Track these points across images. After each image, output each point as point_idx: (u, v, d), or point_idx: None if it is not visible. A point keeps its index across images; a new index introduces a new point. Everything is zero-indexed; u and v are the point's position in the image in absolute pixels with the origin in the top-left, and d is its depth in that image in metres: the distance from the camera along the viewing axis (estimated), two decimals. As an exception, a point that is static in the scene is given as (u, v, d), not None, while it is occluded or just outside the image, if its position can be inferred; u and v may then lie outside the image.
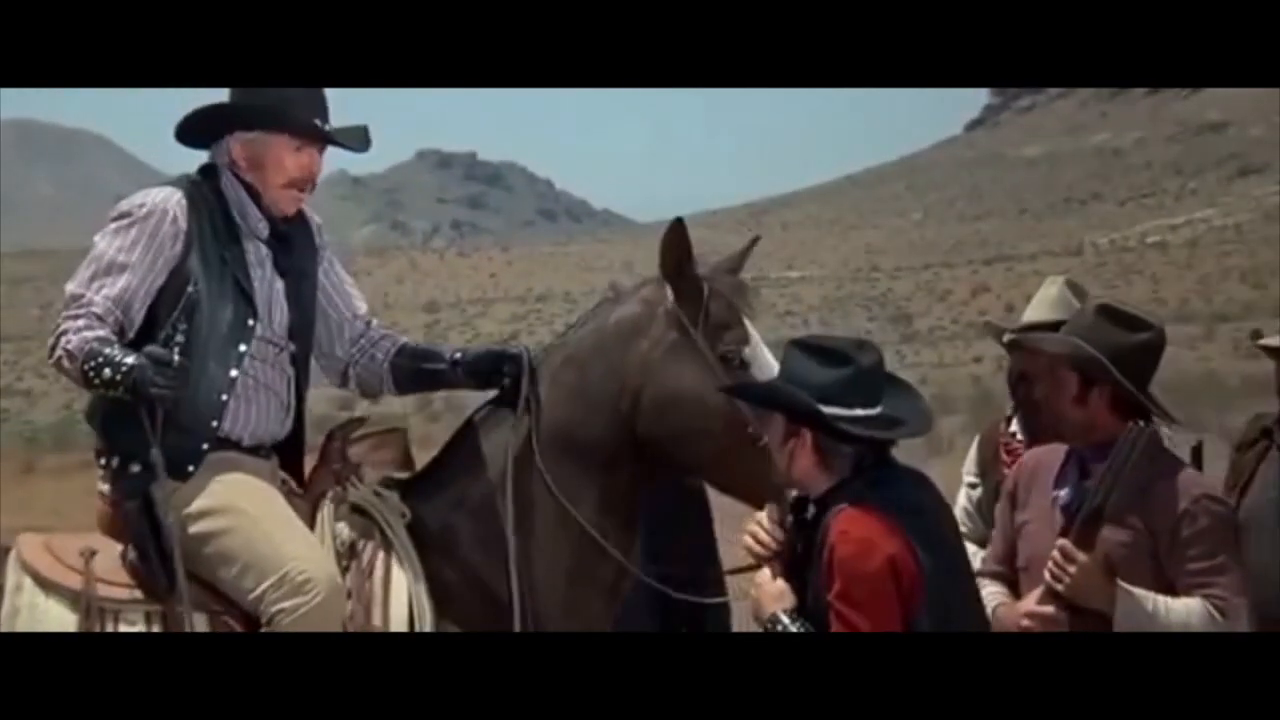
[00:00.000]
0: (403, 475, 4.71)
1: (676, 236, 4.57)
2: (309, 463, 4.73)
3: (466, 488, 4.62)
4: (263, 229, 4.63)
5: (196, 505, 4.44)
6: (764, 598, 4.12)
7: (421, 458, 4.81)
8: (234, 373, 4.51)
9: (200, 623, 4.40)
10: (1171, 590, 4.32)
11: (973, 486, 5.54)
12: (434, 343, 4.92)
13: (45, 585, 4.46)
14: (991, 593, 4.52)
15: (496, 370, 4.67)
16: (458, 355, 4.75)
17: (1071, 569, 4.27)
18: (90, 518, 4.62)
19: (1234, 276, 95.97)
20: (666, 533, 4.80)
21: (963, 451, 5.88)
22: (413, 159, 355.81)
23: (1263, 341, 5.15)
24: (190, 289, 4.48)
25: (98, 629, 4.40)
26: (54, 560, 4.48)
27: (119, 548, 4.48)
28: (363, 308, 4.86)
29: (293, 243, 4.69)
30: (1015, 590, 4.52)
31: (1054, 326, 4.89)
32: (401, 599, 4.48)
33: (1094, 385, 4.45)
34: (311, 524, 4.54)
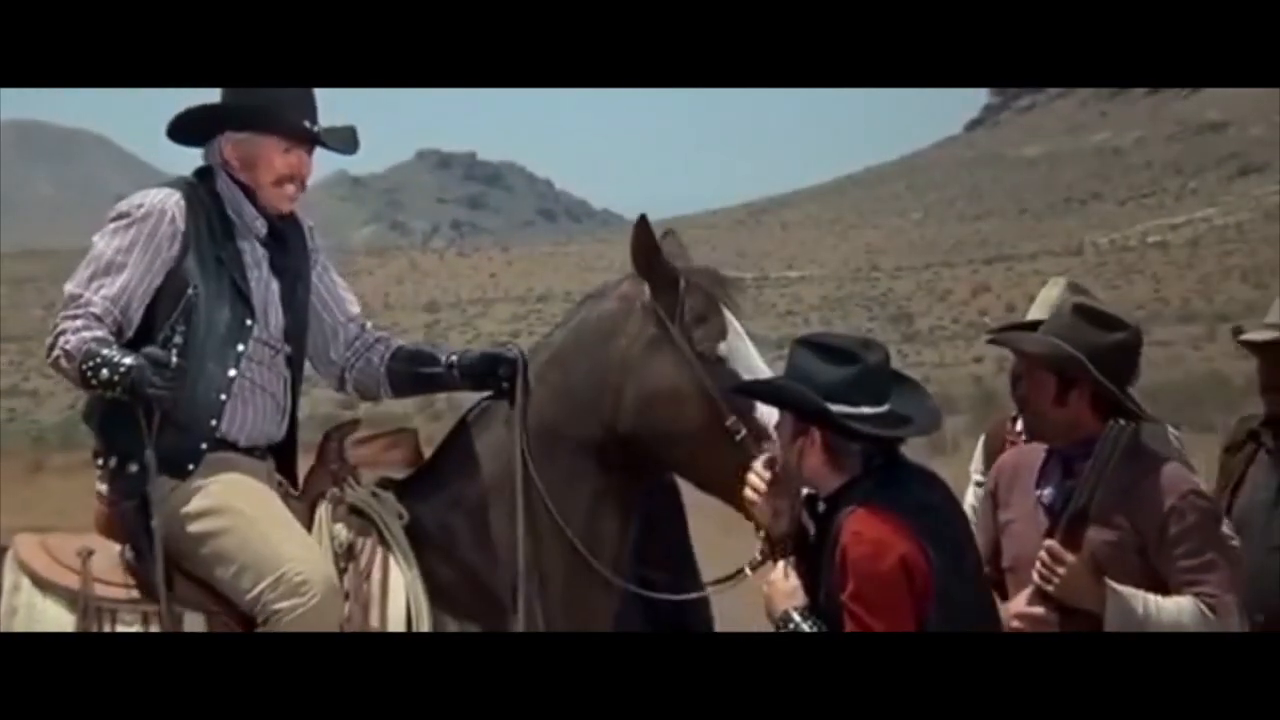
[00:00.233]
0: (399, 476, 4.71)
1: (641, 233, 4.57)
2: (307, 463, 4.72)
3: (463, 488, 4.62)
4: (260, 227, 4.63)
5: (194, 505, 4.44)
6: (776, 595, 4.13)
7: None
8: (232, 373, 4.51)
9: (198, 623, 4.42)
10: (1160, 587, 4.31)
11: (979, 484, 5.53)
12: (429, 344, 4.91)
13: (42, 585, 4.46)
14: None
15: (492, 372, 4.67)
16: (453, 358, 4.74)
17: (1060, 570, 4.26)
18: (95, 517, 4.62)
19: (1235, 276, 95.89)
20: (646, 533, 4.78)
21: (966, 452, 5.88)
22: (412, 159, 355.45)
23: (1245, 336, 5.11)
24: (189, 290, 4.49)
25: (95, 629, 4.40)
26: (51, 560, 4.48)
27: (116, 548, 4.49)
28: (356, 310, 4.85)
29: (288, 243, 4.70)
30: (1000, 590, 4.51)
31: (1036, 326, 4.88)
32: (399, 600, 4.47)
33: (1073, 385, 4.44)
34: (309, 525, 4.53)
